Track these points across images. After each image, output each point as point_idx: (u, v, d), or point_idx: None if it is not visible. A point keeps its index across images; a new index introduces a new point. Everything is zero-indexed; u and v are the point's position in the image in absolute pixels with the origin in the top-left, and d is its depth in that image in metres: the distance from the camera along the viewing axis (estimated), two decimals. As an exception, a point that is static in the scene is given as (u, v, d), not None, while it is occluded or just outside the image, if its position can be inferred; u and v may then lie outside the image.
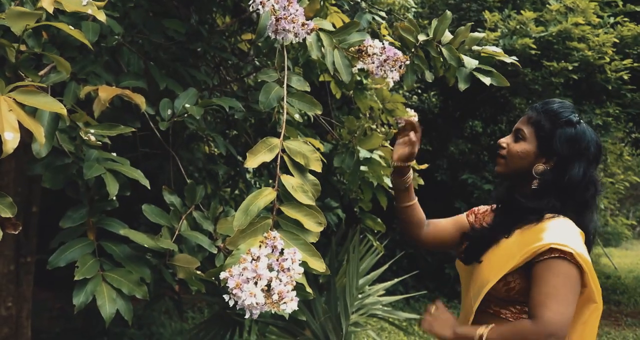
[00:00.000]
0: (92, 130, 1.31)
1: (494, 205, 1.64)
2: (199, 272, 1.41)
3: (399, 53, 1.71)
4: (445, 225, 1.68)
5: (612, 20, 6.29)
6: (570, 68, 5.75)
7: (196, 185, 1.57)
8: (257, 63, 2.71)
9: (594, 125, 5.82)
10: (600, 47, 5.84)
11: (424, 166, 2.71)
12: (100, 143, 1.32)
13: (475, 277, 1.45)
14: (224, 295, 1.01)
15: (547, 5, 6.25)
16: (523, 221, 1.42)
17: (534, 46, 5.75)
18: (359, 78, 2.66)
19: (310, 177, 1.30)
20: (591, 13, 6.05)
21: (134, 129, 1.40)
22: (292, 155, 1.27)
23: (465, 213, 1.70)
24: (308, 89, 1.55)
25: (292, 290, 1.03)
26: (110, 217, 1.46)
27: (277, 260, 1.04)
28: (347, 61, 1.70)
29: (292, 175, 1.25)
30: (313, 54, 1.62)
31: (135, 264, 1.36)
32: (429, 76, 1.83)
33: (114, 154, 1.46)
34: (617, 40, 5.95)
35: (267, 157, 1.24)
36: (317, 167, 1.29)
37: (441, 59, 1.78)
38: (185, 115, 1.58)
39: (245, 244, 1.12)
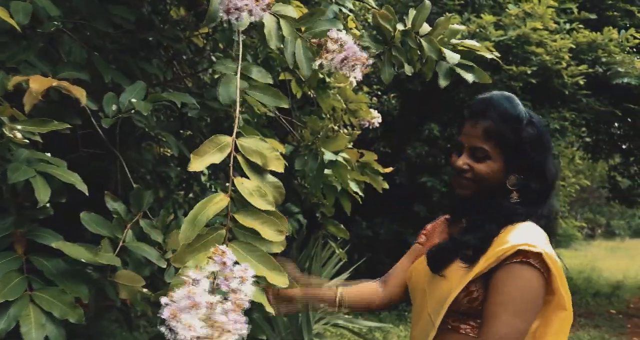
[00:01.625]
0: (19, 126, 1.12)
1: (443, 217, 1.51)
2: (145, 290, 1.23)
3: (361, 53, 1.57)
4: (402, 268, 1.54)
5: (568, 26, 6.39)
6: (529, 72, 5.79)
7: (144, 190, 1.40)
8: (214, 59, 2.53)
9: (552, 129, 5.88)
10: (557, 52, 5.90)
11: (389, 169, 2.59)
12: (27, 141, 1.13)
13: (433, 289, 1.30)
14: (160, 327, 0.84)
15: (507, 10, 6.29)
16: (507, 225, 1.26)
17: (493, 49, 5.75)
18: (321, 76, 2.53)
19: (271, 178, 1.15)
20: (548, 18, 6.12)
21: (69, 126, 1.21)
22: (247, 155, 1.11)
23: (415, 243, 1.56)
24: (270, 82, 1.40)
25: (239, 318, 0.87)
26: (43, 227, 1.26)
27: (227, 279, 0.88)
28: (309, 54, 1.55)
29: (247, 177, 1.09)
30: (272, 43, 1.46)
31: (71, 281, 1.18)
32: (408, 69, 1.69)
33: (48, 155, 1.28)
34: (574, 46, 6.03)
35: (216, 158, 1.08)
36: (278, 167, 1.14)
37: (418, 52, 1.66)
38: (132, 111, 1.41)
39: (194, 260, 0.97)
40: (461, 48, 1.75)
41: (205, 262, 0.90)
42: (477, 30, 6.04)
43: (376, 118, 3.07)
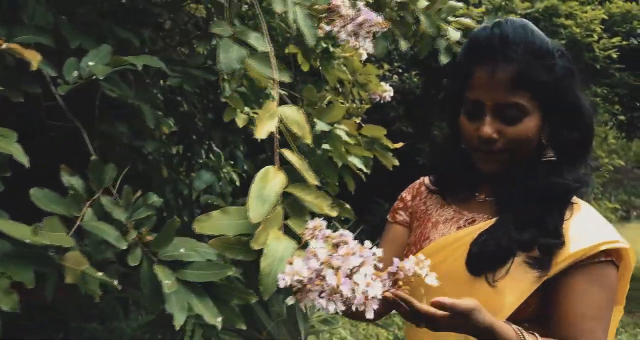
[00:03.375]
0: (-55, 90, 0.99)
1: (421, 183, 1.21)
2: (100, 274, 1.09)
3: (377, 17, 1.43)
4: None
5: (600, -4, 6.07)
6: (557, 45, 5.50)
7: (104, 163, 1.25)
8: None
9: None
10: (588, 24, 5.60)
11: (399, 145, 2.41)
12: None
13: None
14: (323, 302, 0.75)
15: (534, -20, 5.99)
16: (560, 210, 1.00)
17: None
18: (325, 45, 2.36)
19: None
20: (578, -11, 5.82)
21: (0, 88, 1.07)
22: (289, 125, 1.03)
23: (389, 220, 1.22)
24: (269, 50, 1.23)
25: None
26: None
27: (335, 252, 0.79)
28: (309, 21, 1.40)
29: (289, 149, 1.02)
30: (276, 5, 1.30)
31: (16, 264, 1.05)
32: (403, 44, 1.54)
33: (-4, 125, 1.14)
34: (606, 17, 5.71)
35: (271, 126, 1.01)
36: (310, 139, 1.06)
37: (413, 28, 1.49)
38: (94, 77, 1.26)
39: (271, 239, 0.90)
40: (455, 25, 1.59)
41: (276, 237, 0.88)
42: (503, 2, 5.77)
43: (387, 92, 2.87)
